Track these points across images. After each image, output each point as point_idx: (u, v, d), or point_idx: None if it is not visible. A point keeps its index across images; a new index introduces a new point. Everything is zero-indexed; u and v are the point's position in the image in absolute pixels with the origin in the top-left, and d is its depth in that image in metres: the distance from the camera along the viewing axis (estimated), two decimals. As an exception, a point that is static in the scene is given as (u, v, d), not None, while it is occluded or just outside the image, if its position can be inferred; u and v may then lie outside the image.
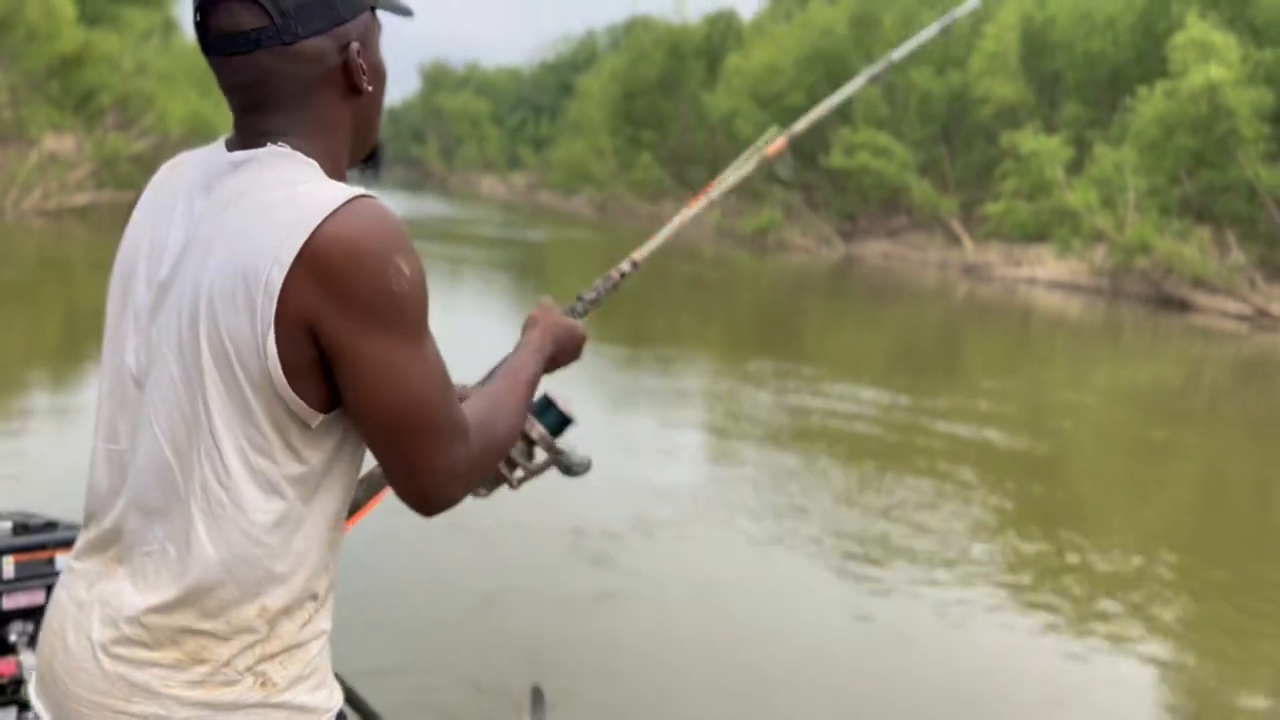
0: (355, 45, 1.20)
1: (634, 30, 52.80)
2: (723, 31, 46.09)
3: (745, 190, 37.62)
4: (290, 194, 1.13)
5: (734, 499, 6.85)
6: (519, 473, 1.55)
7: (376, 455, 1.20)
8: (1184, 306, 22.85)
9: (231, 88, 1.20)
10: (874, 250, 33.62)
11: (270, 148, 1.18)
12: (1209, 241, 23.57)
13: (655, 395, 10.18)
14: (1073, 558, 6.16)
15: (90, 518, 1.26)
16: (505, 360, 1.46)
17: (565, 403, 1.55)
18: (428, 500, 1.22)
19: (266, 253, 1.10)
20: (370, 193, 1.14)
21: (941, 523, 6.62)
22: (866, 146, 32.33)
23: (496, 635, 4.53)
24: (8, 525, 2.29)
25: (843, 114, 35.70)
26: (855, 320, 19.46)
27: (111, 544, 1.21)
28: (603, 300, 1.68)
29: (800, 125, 1.95)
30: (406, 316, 1.13)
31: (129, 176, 22.36)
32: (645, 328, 14.17)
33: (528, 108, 69.64)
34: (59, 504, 2.95)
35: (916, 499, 7.07)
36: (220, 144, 1.24)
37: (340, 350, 1.12)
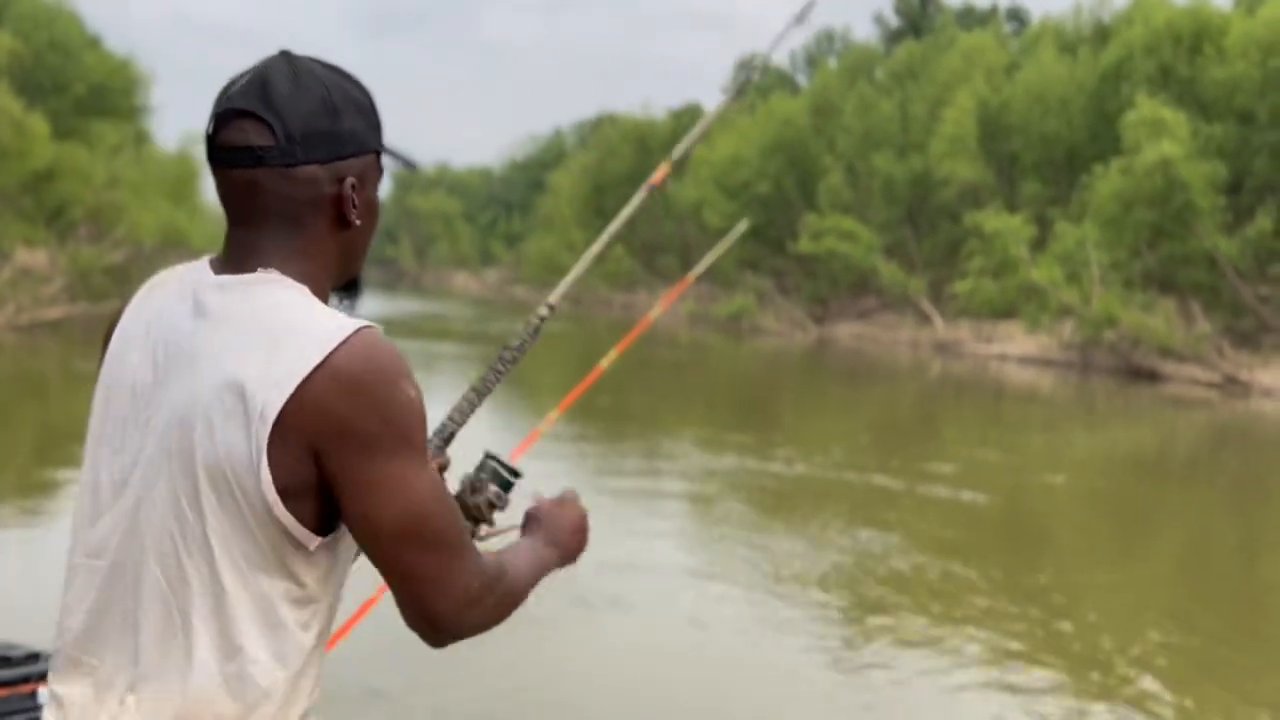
0: (351, 180, 1.24)
1: (601, 127, 53.76)
2: (688, 125, 46.96)
3: (718, 278, 37.97)
4: (287, 322, 1.15)
5: (712, 570, 6.81)
6: (482, 529, 1.56)
7: (387, 576, 1.20)
8: (1154, 376, 23.07)
9: (227, 198, 1.24)
10: (846, 332, 33.88)
11: (260, 273, 1.20)
12: (1174, 312, 23.90)
13: (636, 473, 10.15)
14: (1061, 626, 6.14)
15: (68, 635, 1.23)
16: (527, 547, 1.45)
17: (508, 460, 1.59)
18: (439, 620, 1.21)
19: (265, 378, 1.11)
20: (368, 322, 1.18)
21: (924, 594, 6.59)
22: (833, 231, 32.78)
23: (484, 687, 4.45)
24: (-12, 657, 2.17)
25: (808, 200, 36.37)
26: (831, 399, 19.52)
27: (96, 668, 1.19)
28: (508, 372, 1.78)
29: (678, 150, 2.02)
30: (412, 439, 1.16)
31: (102, 289, 22.24)
32: (626, 409, 14.16)
33: (499, 205, 70.37)
34: (37, 633, 2.88)
35: (905, 571, 7.04)
36: (204, 263, 1.26)
37: (348, 477, 1.14)
